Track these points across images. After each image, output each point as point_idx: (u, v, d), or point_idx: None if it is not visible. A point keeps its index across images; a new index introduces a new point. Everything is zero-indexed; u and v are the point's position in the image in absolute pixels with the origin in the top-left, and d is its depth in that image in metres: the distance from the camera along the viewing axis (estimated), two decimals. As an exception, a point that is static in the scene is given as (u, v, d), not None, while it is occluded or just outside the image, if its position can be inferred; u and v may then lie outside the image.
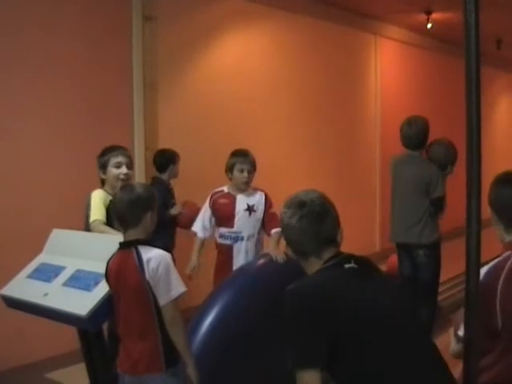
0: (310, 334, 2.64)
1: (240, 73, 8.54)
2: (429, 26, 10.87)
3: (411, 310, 2.94)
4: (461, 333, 3.13)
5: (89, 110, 6.69)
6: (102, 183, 5.03)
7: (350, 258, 2.85)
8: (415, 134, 6.34)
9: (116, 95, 6.97)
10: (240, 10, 8.44)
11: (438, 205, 6.30)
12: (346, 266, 2.80)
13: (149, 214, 3.71)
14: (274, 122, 9.16)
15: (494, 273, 3.08)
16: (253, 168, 5.86)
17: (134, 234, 3.67)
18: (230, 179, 5.85)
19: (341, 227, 2.96)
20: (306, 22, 9.57)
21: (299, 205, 2.89)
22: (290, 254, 3.02)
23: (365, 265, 2.90)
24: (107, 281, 3.75)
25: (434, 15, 10.58)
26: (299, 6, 9.33)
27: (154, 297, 3.54)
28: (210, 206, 5.90)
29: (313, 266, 2.86)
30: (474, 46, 2.43)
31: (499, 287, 3.03)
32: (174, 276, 3.58)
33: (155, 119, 7.32)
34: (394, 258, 7.20)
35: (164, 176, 6.78)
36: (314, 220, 2.85)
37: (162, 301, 3.54)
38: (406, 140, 6.41)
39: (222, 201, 5.84)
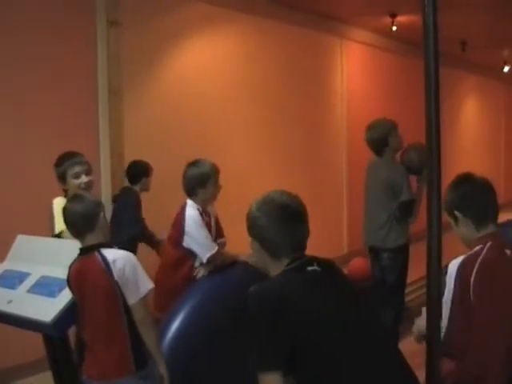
0: (271, 336, 2.64)
1: (205, 77, 8.52)
2: (394, 28, 10.94)
3: (373, 313, 2.95)
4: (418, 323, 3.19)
5: (53, 117, 6.63)
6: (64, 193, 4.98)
7: (312, 260, 2.85)
8: (374, 139, 6.34)
9: (80, 102, 6.92)
10: (204, 14, 8.43)
11: (405, 209, 6.22)
12: (309, 268, 2.80)
13: (101, 215, 3.75)
14: (240, 125, 9.16)
15: (467, 264, 3.14)
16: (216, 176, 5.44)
17: (93, 238, 3.69)
18: (196, 194, 5.30)
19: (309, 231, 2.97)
20: (271, 26, 9.58)
21: (281, 206, 2.88)
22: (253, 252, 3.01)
23: (328, 268, 2.90)
24: (69, 287, 3.74)
25: (399, 18, 10.63)
26: (264, 10, 9.33)
27: (123, 297, 3.55)
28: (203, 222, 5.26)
29: (280, 266, 2.86)
30: (432, 49, 2.46)
31: (472, 280, 3.08)
32: (141, 274, 3.61)
33: (120, 125, 7.28)
34: (355, 262, 7.24)
35: (136, 188, 6.72)
36: (294, 222, 2.86)
37: (132, 299, 3.55)
38: (368, 145, 6.43)
39: (206, 219, 5.30)
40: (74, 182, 4.90)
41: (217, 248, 5.08)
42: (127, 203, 6.55)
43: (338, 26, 11.18)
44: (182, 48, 8.23)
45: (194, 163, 5.39)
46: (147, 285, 3.62)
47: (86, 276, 3.62)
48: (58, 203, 4.76)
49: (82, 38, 6.96)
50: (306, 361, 2.65)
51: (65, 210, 3.81)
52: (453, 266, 3.21)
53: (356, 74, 11.98)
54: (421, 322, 3.30)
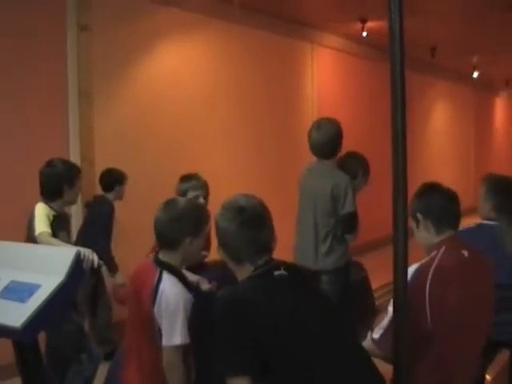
0: (238, 341, 2.65)
1: (177, 81, 8.53)
2: (364, 34, 11.01)
3: (340, 316, 2.97)
4: (376, 336, 3.21)
5: (23, 121, 6.60)
6: (42, 195, 4.97)
7: (280, 265, 2.86)
8: (325, 140, 5.51)
9: (51, 106, 6.89)
10: (175, 19, 8.43)
11: (348, 222, 5.44)
12: (276, 273, 2.81)
13: (188, 239, 3.47)
14: (212, 129, 9.17)
15: (422, 271, 3.16)
16: (206, 193, 5.39)
17: (169, 256, 3.49)
18: None
19: (275, 234, 2.98)
20: (242, 31, 9.60)
21: (239, 210, 2.89)
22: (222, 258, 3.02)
23: (295, 272, 2.92)
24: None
25: (369, 24, 10.70)
26: (235, 16, 9.34)
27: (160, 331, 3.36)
28: None
29: (245, 271, 2.87)
30: (398, 54, 2.49)
31: (427, 286, 3.10)
32: (180, 323, 3.33)
33: (91, 130, 7.26)
34: None
35: (110, 196, 6.67)
36: (253, 226, 2.86)
37: (164, 341, 3.34)
38: (314, 147, 5.57)
39: None
40: None
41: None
42: (100, 213, 6.52)
43: (309, 31, 11.23)
44: (153, 53, 8.23)
45: (185, 177, 5.40)
46: (179, 338, 3.31)
47: (141, 284, 3.48)
48: (41, 208, 4.78)
49: (52, 42, 6.92)
50: (275, 366, 2.66)
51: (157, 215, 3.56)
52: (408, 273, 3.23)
53: (327, 79, 12.03)
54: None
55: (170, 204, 3.54)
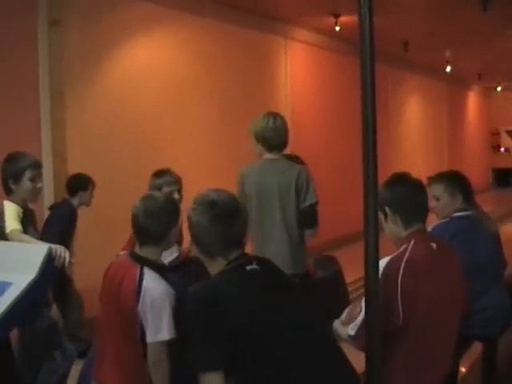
0: (211, 336, 2.65)
1: (149, 77, 8.48)
2: (337, 28, 11.03)
3: (313, 311, 2.97)
4: (351, 332, 3.22)
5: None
6: (6, 192, 4.91)
7: (252, 259, 2.87)
8: (281, 130, 5.15)
9: (22, 102, 6.83)
10: (149, 13, 8.39)
11: (311, 215, 5.04)
12: (248, 267, 2.81)
13: (175, 227, 3.50)
14: (186, 125, 9.13)
15: (392, 266, 3.17)
16: (180, 188, 5.35)
17: (150, 251, 3.46)
18: None
19: (247, 229, 2.98)
20: (215, 26, 9.57)
21: (210, 204, 2.88)
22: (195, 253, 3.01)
23: (267, 266, 2.92)
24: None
25: (342, 18, 10.73)
26: (209, 10, 9.33)
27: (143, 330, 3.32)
28: None
29: (217, 266, 2.87)
30: (368, 49, 2.49)
31: (399, 281, 3.11)
32: (167, 319, 3.30)
33: (63, 126, 7.21)
34: None
35: (74, 201, 6.58)
36: (224, 220, 2.85)
37: (149, 338, 3.30)
38: (269, 139, 5.09)
39: None
40: (28, 186, 4.84)
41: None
42: (59, 215, 6.46)
43: (282, 26, 11.23)
44: (126, 47, 8.18)
45: (158, 173, 5.36)
46: (166, 334, 3.28)
47: (119, 282, 3.43)
48: (10, 205, 4.72)
49: (23, 37, 6.86)
50: (247, 360, 2.67)
51: (133, 208, 3.52)
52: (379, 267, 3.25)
53: (300, 73, 12.04)
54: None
55: (150, 199, 3.52)
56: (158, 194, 3.72)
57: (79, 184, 6.61)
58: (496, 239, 4.61)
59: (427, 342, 3.18)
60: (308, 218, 5.02)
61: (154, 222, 3.42)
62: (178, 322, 3.29)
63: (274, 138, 5.10)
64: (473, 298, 4.24)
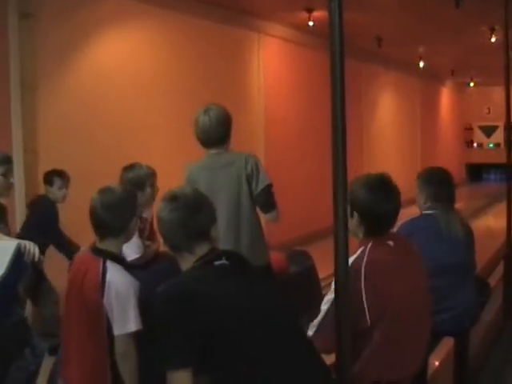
0: (179, 333, 2.65)
1: (122, 71, 8.44)
2: (310, 23, 11.02)
3: (284, 306, 2.97)
4: (310, 332, 3.24)
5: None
6: None
7: (221, 254, 2.86)
8: (216, 124, 4.90)
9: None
10: (122, 8, 8.34)
11: (267, 199, 4.85)
12: (217, 263, 2.81)
13: (134, 220, 3.48)
14: (159, 120, 9.08)
15: (354, 269, 3.16)
16: (153, 181, 5.35)
17: (111, 244, 3.43)
18: None
19: (216, 224, 2.97)
20: (187, 21, 9.53)
21: (171, 198, 2.90)
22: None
23: (237, 261, 2.92)
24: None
25: (315, 13, 10.73)
26: (181, 5, 9.28)
27: (109, 322, 3.31)
28: None
29: (186, 261, 2.87)
30: (338, 45, 2.48)
31: (362, 284, 3.13)
32: (132, 310, 3.29)
33: (34, 120, 7.14)
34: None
35: (49, 190, 6.52)
36: (184, 213, 2.86)
37: (117, 330, 3.29)
38: (204, 134, 4.92)
39: (141, 225, 5.03)
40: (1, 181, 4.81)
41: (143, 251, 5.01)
42: (44, 216, 6.42)
43: (255, 21, 11.21)
44: (98, 41, 8.12)
45: (129, 167, 5.26)
46: (133, 325, 3.27)
47: (82, 276, 3.40)
48: None
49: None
50: (217, 356, 2.66)
51: (91, 202, 3.48)
52: None
53: (274, 68, 12.02)
54: None
55: (107, 192, 3.48)
56: (115, 186, 3.65)
57: (55, 173, 6.56)
58: (464, 238, 4.62)
59: (395, 342, 3.19)
60: (264, 202, 4.85)
61: (112, 214, 3.39)
62: (145, 318, 3.27)
63: (201, 135, 4.96)
64: (440, 295, 4.34)
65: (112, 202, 3.40)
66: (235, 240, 4.76)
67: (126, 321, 3.26)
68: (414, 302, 3.32)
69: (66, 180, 6.58)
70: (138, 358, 3.30)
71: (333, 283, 3.01)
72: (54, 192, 6.55)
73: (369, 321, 3.13)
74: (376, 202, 3.35)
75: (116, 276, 3.31)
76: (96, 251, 3.42)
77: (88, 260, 3.42)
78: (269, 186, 4.83)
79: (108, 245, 3.42)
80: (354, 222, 3.38)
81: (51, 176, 6.56)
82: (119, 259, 3.43)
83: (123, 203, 3.43)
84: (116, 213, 3.40)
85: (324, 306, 3.23)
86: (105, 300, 3.28)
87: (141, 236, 5.20)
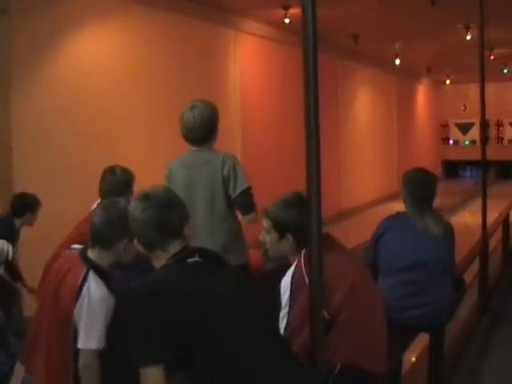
0: (151, 331, 2.64)
1: (98, 67, 8.37)
2: (287, 20, 11.02)
3: (259, 303, 2.96)
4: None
5: None
6: None
7: (194, 252, 2.86)
8: (200, 122, 4.83)
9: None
10: (98, 3, 8.27)
11: (245, 202, 4.81)
12: (190, 260, 2.81)
13: (124, 242, 3.37)
14: (135, 117, 9.03)
15: (297, 280, 3.32)
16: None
17: (99, 255, 3.39)
18: None
19: (188, 222, 2.96)
20: (164, 17, 9.49)
21: (144, 197, 2.90)
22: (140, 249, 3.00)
23: (210, 258, 2.92)
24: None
25: (292, 10, 10.71)
26: (158, 1, 9.25)
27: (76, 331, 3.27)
28: None
29: (160, 259, 2.86)
30: (311, 41, 2.47)
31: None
32: (98, 327, 3.24)
33: (8, 116, 7.08)
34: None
35: (18, 222, 6.32)
36: (157, 211, 2.85)
37: (81, 344, 3.24)
38: (187, 131, 4.85)
39: None
40: None
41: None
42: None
43: (231, 18, 11.19)
44: (74, 38, 8.05)
45: (111, 170, 5.18)
46: (95, 343, 3.23)
47: (63, 275, 3.38)
48: None
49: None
50: (192, 354, 2.66)
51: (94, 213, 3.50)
52: (284, 287, 3.43)
53: (250, 65, 12.01)
54: None
55: (110, 204, 3.48)
56: (120, 200, 3.56)
57: (26, 205, 6.38)
58: (443, 236, 4.68)
59: (357, 326, 3.28)
60: (243, 204, 4.80)
61: (108, 228, 3.36)
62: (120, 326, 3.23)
63: (185, 131, 4.89)
64: (418, 289, 4.41)
65: (112, 217, 3.38)
66: (210, 238, 4.66)
67: (89, 336, 3.22)
68: (363, 296, 3.40)
69: (37, 210, 6.42)
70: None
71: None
72: (34, 217, 6.44)
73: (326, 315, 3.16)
74: (299, 212, 3.41)
75: (93, 289, 3.26)
76: (83, 257, 3.39)
77: (72, 262, 3.39)
78: (248, 189, 4.79)
79: (97, 254, 3.39)
80: (282, 244, 3.47)
81: (34, 202, 6.40)
82: (102, 272, 3.36)
83: (122, 219, 3.26)
84: (112, 227, 3.36)
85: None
86: (76, 309, 3.25)
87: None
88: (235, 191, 4.75)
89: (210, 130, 4.90)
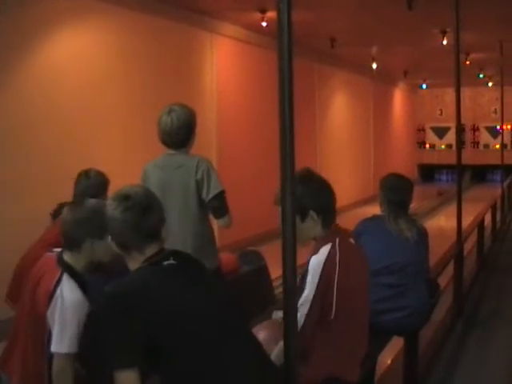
0: (124, 334, 2.63)
1: (71, 70, 8.24)
2: (264, 24, 11.02)
3: (233, 306, 2.96)
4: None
5: None
6: None
7: (169, 254, 2.85)
8: (177, 127, 4.84)
9: None
10: (71, 5, 8.17)
11: (219, 205, 4.82)
12: (165, 263, 2.80)
13: (89, 241, 3.39)
14: (109, 120, 8.93)
15: (328, 265, 3.26)
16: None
17: (72, 257, 3.40)
18: None
19: (165, 224, 2.95)
20: (139, 19, 9.42)
21: (124, 197, 2.86)
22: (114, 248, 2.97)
23: (185, 261, 2.91)
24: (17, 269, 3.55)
25: (269, 14, 10.71)
26: (132, 2, 9.20)
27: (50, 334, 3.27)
28: None
29: (135, 261, 2.84)
30: (286, 45, 2.46)
31: (335, 279, 3.25)
32: (70, 329, 3.24)
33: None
34: (221, 256, 6.92)
35: None
36: (137, 212, 2.82)
37: (53, 347, 3.24)
38: (164, 135, 4.87)
39: None
40: None
41: None
42: None
43: (208, 20, 11.17)
44: (47, 40, 7.94)
45: (85, 173, 5.19)
46: (67, 347, 3.22)
47: (39, 277, 3.39)
48: None
49: None
50: (165, 357, 2.65)
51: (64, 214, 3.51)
52: (314, 265, 3.28)
53: (227, 69, 12.00)
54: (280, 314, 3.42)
55: (77, 205, 3.52)
56: (89, 201, 3.57)
57: None
58: (418, 240, 4.73)
59: (349, 332, 3.33)
60: (216, 208, 4.82)
61: (72, 228, 3.39)
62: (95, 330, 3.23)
63: (163, 135, 4.91)
64: (394, 292, 4.45)
65: (77, 216, 3.40)
66: (182, 242, 4.67)
67: (61, 340, 3.22)
68: (363, 295, 3.48)
69: None
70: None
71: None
72: None
73: (333, 314, 3.23)
74: (316, 187, 3.51)
75: (66, 292, 3.26)
76: (59, 260, 3.40)
77: (49, 265, 3.41)
78: (221, 193, 4.80)
79: (71, 257, 3.40)
80: (307, 224, 3.42)
81: None
82: (77, 275, 3.37)
83: (87, 218, 3.39)
84: (76, 227, 3.39)
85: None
86: (48, 312, 3.25)
87: None
88: (208, 195, 4.76)
89: (188, 134, 4.90)
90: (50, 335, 3.26)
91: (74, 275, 3.35)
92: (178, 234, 4.71)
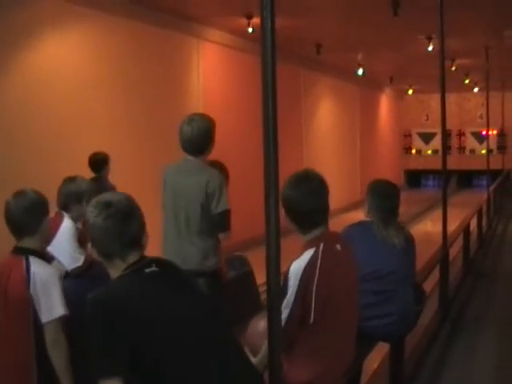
0: (108, 341, 2.60)
1: (56, 74, 8.22)
2: (250, 30, 11.04)
3: (216, 312, 2.95)
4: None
5: None
6: None
7: (151, 262, 2.82)
8: (197, 135, 5.16)
9: None
10: (57, 9, 8.17)
11: (223, 221, 5.15)
12: (147, 270, 2.77)
13: (45, 220, 3.71)
14: (87, 126, 8.86)
15: (308, 271, 3.28)
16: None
17: (30, 242, 3.66)
18: (70, 210, 5.12)
19: (146, 231, 2.93)
20: (126, 25, 9.43)
21: (105, 205, 2.83)
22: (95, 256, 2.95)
23: (167, 268, 2.89)
24: None
25: (255, 20, 10.72)
26: (117, 8, 9.19)
27: (36, 314, 3.49)
28: None
29: (116, 268, 2.81)
30: (270, 51, 2.47)
31: (314, 284, 3.25)
32: (57, 295, 3.54)
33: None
34: None
35: None
36: (119, 220, 2.80)
37: (44, 318, 3.49)
38: (185, 143, 5.20)
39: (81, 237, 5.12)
40: None
41: (82, 261, 4.99)
42: None
43: (194, 26, 11.18)
44: (33, 43, 7.93)
45: (71, 179, 5.24)
46: (60, 309, 3.51)
47: (6, 278, 3.57)
48: None
49: None
50: (147, 364, 2.63)
51: (7, 205, 3.72)
52: (295, 269, 3.30)
53: (213, 74, 12.00)
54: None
55: (21, 195, 3.73)
56: (26, 189, 3.83)
57: None
58: (404, 247, 4.71)
59: (331, 337, 3.33)
60: (220, 224, 5.16)
61: (29, 215, 3.65)
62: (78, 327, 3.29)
63: (183, 140, 5.20)
64: (375, 301, 4.46)
65: (27, 204, 3.67)
66: (188, 239, 5.12)
67: (51, 307, 3.49)
68: (349, 301, 3.48)
69: None
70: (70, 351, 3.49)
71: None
72: None
73: (312, 320, 3.24)
74: (295, 191, 3.47)
75: (39, 268, 3.56)
76: (17, 250, 3.66)
77: (11, 262, 3.64)
78: (227, 211, 5.14)
79: (27, 243, 3.65)
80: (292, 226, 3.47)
81: None
82: (40, 254, 3.68)
83: (34, 205, 3.69)
84: (29, 214, 3.65)
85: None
86: (31, 291, 3.49)
87: (83, 246, 5.16)
88: (216, 209, 5.09)
89: (207, 142, 5.22)
90: (35, 314, 3.50)
91: (38, 255, 3.67)
92: (182, 237, 5.13)
